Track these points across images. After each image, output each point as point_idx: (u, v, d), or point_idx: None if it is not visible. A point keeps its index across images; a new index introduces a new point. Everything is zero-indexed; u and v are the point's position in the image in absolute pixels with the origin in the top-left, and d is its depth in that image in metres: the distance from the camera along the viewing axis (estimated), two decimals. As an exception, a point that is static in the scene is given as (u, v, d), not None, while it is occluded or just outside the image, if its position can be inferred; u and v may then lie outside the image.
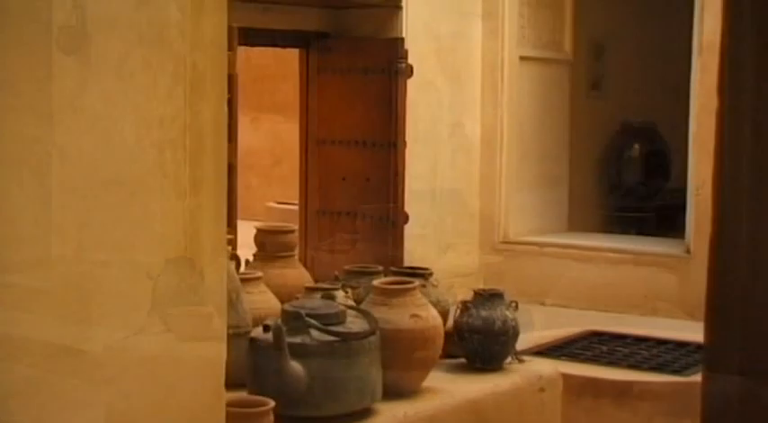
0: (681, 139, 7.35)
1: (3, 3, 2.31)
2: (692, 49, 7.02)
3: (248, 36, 6.48)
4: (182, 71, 2.57)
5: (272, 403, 3.05)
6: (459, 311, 4.02)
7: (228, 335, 2.76)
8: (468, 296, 4.08)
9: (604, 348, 5.79)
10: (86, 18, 2.39)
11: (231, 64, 5.42)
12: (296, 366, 3.20)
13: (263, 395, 3.12)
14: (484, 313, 3.96)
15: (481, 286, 5.82)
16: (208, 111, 2.65)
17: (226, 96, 2.75)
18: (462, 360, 4.03)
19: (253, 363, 3.31)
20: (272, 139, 12.21)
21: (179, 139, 2.57)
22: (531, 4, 8.06)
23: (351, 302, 3.66)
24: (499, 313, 3.98)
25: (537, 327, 5.95)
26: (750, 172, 1.14)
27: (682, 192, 7.34)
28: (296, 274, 4.14)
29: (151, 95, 2.51)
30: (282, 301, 3.67)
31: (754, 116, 1.14)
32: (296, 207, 7.95)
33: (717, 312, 1.25)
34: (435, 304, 3.79)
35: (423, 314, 3.59)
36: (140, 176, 2.51)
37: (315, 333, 3.29)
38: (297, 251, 4.37)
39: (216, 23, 2.66)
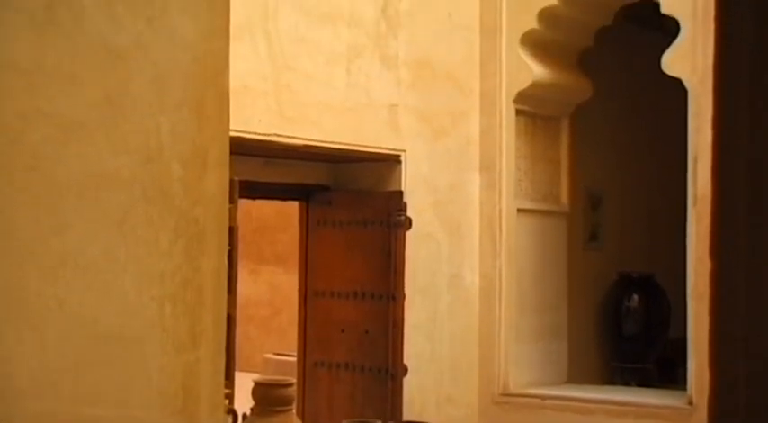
0: (680, 289, 7.37)
1: (7, 160, 2.36)
2: (687, 199, 7.11)
3: (249, 189, 6.57)
4: (183, 226, 2.60)
5: None
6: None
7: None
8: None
9: None
10: (92, 174, 2.43)
11: (232, 216, 5.48)
12: None
13: None
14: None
15: (482, 440, 5.73)
16: (208, 265, 2.67)
17: (226, 250, 2.77)
18: None
19: None
20: (272, 290, 12.22)
21: (179, 293, 2.58)
22: (528, 158, 8.20)
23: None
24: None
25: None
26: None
27: (682, 342, 7.31)
28: (294, 428, 4.10)
29: (152, 250, 2.54)
30: (280, 457, 3.61)
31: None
32: (294, 358, 7.90)
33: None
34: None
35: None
36: (139, 331, 2.51)
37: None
38: (295, 405, 4.33)
39: (218, 179, 2.71)
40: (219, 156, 2.72)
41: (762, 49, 1.14)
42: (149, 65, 2.56)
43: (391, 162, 7.35)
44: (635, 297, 9.20)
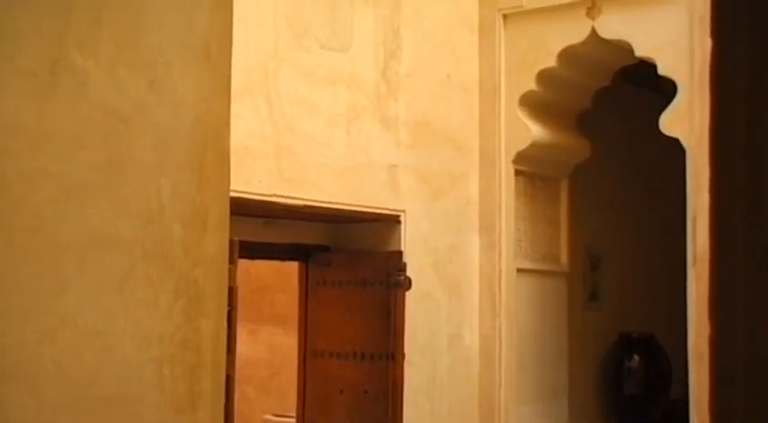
0: (681, 349, 7.34)
1: (8, 221, 2.37)
2: (687, 259, 7.11)
3: (249, 249, 6.57)
4: (183, 287, 2.60)
5: None
6: None
7: None
8: None
9: None
10: (93, 235, 2.44)
11: (232, 277, 5.47)
12: None
13: None
14: None
15: None
16: (207, 326, 2.67)
17: (226, 311, 2.77)
18: None
19: None
20: (271, 350, 12.16)
21: (178, 354, 2.58)
22: (528, 218, 8.22)
23: None
24: None
25: None
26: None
27: (684, 402, 7.26)
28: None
29: (152, 311, 2.54)
30: None
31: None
32: (293, 420, 7.84)
33: None
34: None
35: None
36: (138, 393, 2.50)
37: None
38: (294, 467, 4.29)
39: (218, 240, 2.72)
40: (220, 217, 2.74)
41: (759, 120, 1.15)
42: (151, 127, 2.58)
43: (391, 222, 7.37)
44: (635, 357, 9.16)
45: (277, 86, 6.52)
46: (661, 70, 7.32)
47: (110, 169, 2.50)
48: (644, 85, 8.88)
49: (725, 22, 1.20)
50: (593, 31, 7.61)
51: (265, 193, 6.41)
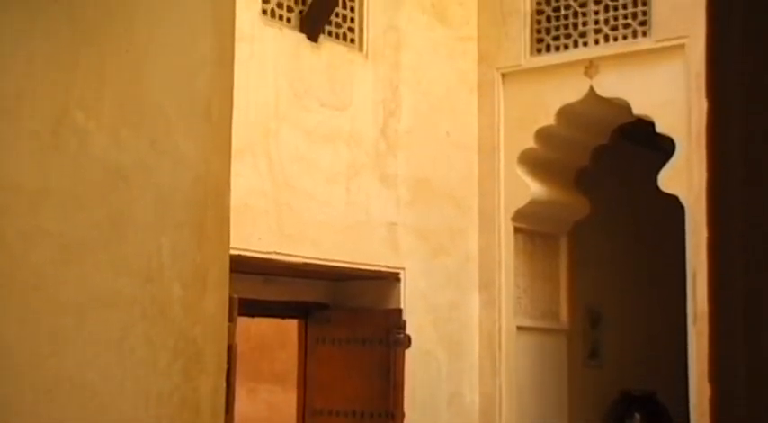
0: (682, 407, 7.29)
1: (8, 279, 2.37)
2: (687, 316, 7.09)
3: (249, 306, 6.55)
4: (182, 345, 2.60)
5: None
6: None
7: None
8: None
9: None
10: (92, 294, 2.44)
11: (231, 334, 5.45)
12: None
13: None
14: None
15: None
16: (206, 384, 2.66)
17: (224, 369, 2.76)
18: None
19: None
20: (270, 408, 12.07)
21: (176, 413, 2.56)
22: (527, 275, 8.21)
23: None
24: None
25: None
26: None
27: (686, 463, 7.20)
28: None
29: (150, 370, 2.53)
30: None
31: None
32: (292, 480, 7.76)
33: None
34: None
35: None
36: (136, 452, 2.49)
37: None
38: None
39: (218, 299, 2.71)
40: (219, 275, 2.74)
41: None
42: (151, 186, 2.59)
43: (390, 280, 7.36)
44: (636, 416, 9.09)
45: (277, 144, 6.56)
46: (659, 128, 7.37)
47: (109, 228, 2.50)
48: (642, 142, 8.92)
49: (721, 82, 1.22)
50: (592, 90, 7.67)
51: (265, 250, 6.42)
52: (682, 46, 7.19)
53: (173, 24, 2.53)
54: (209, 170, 2.70)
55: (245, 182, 6.15)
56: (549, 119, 7.84)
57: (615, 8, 7.63)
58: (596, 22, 7.71)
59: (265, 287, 7.07)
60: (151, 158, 2.55)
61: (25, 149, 2.41)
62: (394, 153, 7.40)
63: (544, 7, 7.92)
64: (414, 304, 7.39)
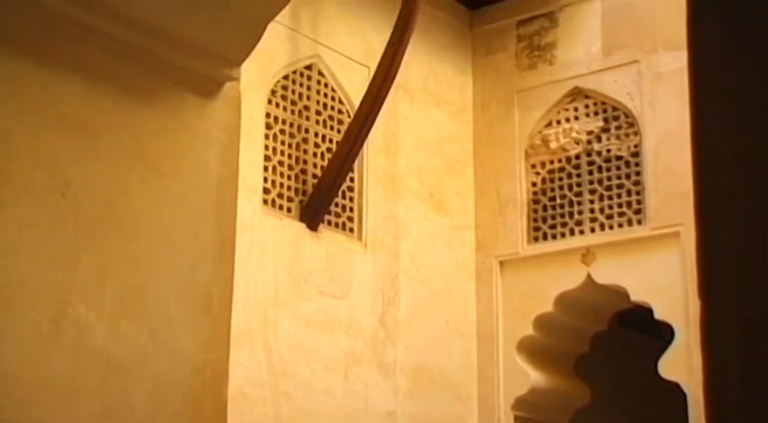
0: None
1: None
2: None
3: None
4: None
5: None
6: None
7: None
8: None
9: None
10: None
11: None
12: None
13: None
14: None
15: None
16: None
17: None
18: None
19: None
20: None
21: None
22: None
23: None
24: None
25: None
26: None
27: None
28: None
29: None
30: None
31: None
32: None
33: None
34: None
35: None
36: None
37: None
38: None
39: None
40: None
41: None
42: (149, 376, 2.59)
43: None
44: None
45: (276, 332, 6.56)
46: (657, 314, 7.38)
47: (106, 419, 2.49)
48: (641, 328, 8.92)
49: (713, 279, 1.25)
50: (589, 277, 7.72)
51: (262, 440, 6.31)
52: (677, 233, 7.29)
53: (176, 218, 2.58)
54: (208, 361, 2.70)
55: (241, 370, 6.11)
56: (547, 306, 7.86)
57: (610, 197, 7.78)
58: (592, 210, 7.84)
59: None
60: (150, 349, 2.55)
61: (25, 339, 2.41)
62: (393, 341, 7.38)
63: (540, 197, 8.07)
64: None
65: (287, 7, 2.68)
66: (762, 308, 1.11)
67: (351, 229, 7.33)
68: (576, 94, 8.05)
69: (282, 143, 6.98)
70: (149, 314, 2.53)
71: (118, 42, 2.24)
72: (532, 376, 7.92)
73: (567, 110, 8.08)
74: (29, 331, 2.42)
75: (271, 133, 6.91)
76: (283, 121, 7.02)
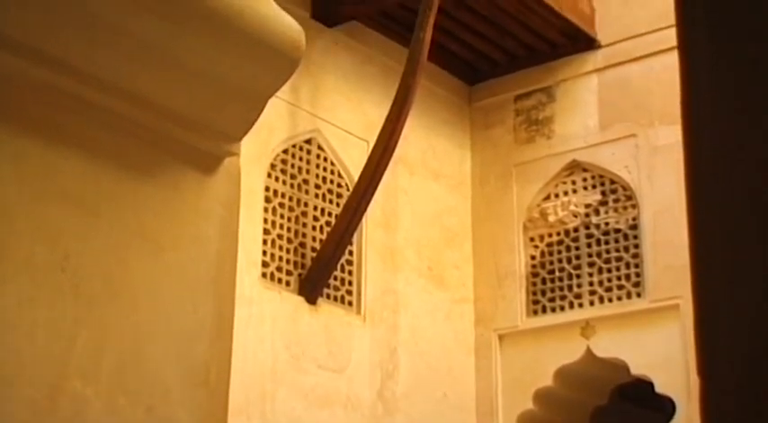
0: None
1: None
2: None
3: None
4: None
5: None
6: None
7: None
8: None
9: None
10: None
11: None
12: None
13: None
14: None
15: None
16: None
17: None
18: None
19: None
20: None
21: None
22: None
23: None
24: None
25: None
26: None
27: None
28: None
29: None
30: None
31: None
32: None
33: None
34: None
35: None
36: None
37: None
38: None
39: None
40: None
41: None
42: (146, 454, 2.56)
43: None
44: None
45: (274, 407, 6.50)
46: (658, 388, 7.34)
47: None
48: (642, 402, 8.85)
49: (713, 356, 1.25)
50: (589, 351, 7.69)
51: None
52: (676, 306, 7.27)
53: (175, 292, 2.57)
54: (205, 439, 2.67)
55: (240, 445, 6.05)
56: (547, 380, 7.82)
57: (609, 270, 7.78)
58: (591, 283, 7.84)
59: None
60: (146, 427, 2.53)
61: (20, 416, 2.40)
62: (391, 416, 7.32)
63: (539, 270, 8.07)
64: None
65: (287, 82, 2.71)
66: (763, 386, 1.10)
67: (350, 303, 7.32)
68: (574, 167, 8.10)
69: (282, 216, 7.00)
70: (146, 389, 2.52)
71: (118, 117, 2.27)
72: (533, 451, 7.84)
73: (564, 183, 8.13)
74: (24, 407, 2.40)
75: (270, 206, 6.94)
76: (283, 195, 7.05)
